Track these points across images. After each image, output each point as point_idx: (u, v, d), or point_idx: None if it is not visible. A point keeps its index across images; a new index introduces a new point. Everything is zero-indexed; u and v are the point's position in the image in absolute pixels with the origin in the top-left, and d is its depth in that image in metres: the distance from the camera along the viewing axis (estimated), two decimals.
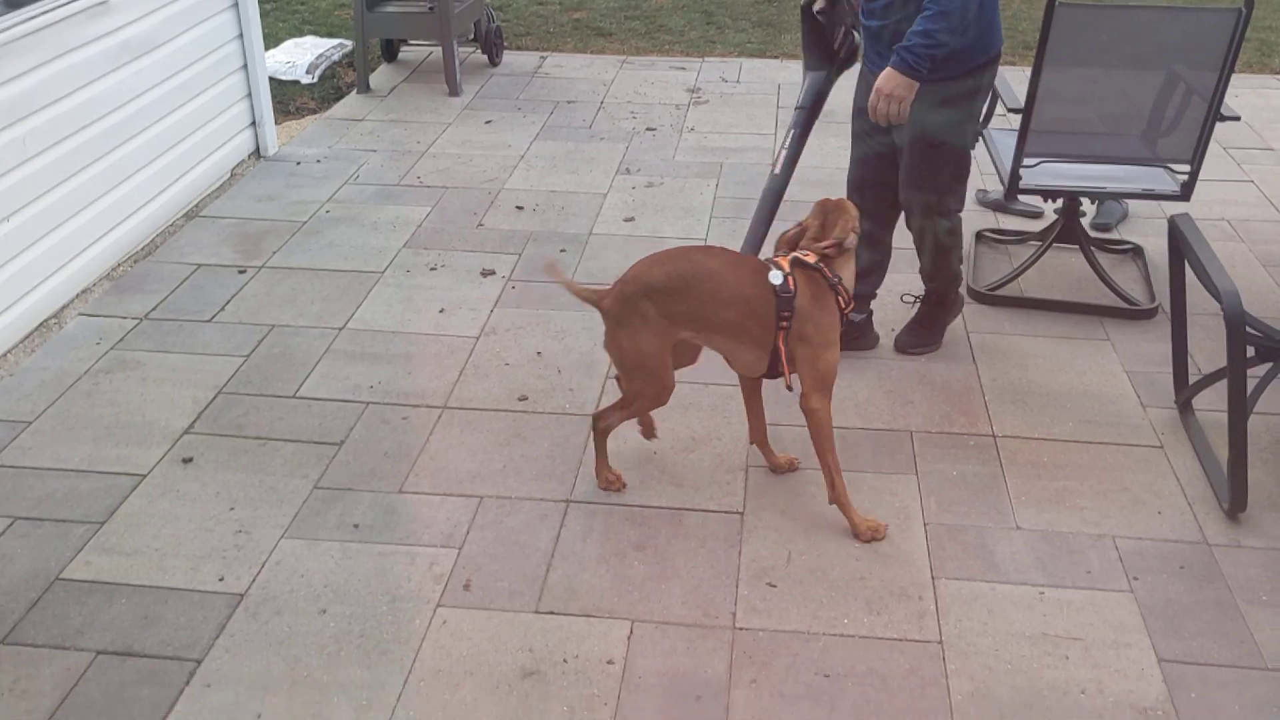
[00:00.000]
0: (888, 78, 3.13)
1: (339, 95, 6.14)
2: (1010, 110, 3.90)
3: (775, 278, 2.82)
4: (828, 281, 2.84)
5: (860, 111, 3.44)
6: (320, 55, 6.44)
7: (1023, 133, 3.75)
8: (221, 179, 4.96)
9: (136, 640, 2.59)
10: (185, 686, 2.47)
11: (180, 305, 4.00)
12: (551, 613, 2.68)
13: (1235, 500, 2.95)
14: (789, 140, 3.56)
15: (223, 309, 3.97)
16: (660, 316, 2.83)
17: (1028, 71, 3.72)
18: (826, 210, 2.98)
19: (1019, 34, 6.93)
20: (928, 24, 3.04)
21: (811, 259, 2.86)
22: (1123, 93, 3.79)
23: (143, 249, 4.38)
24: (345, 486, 3.10)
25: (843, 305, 2.87)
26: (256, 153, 5.23)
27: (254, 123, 5.18)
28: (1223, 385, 3.06)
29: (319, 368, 3.63)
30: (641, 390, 2.92)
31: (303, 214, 4.69)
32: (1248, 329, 2.95)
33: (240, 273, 4.22)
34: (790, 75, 6.33)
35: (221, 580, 2.77)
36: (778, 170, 3.56)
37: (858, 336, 3.67)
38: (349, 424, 3.36)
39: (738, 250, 3.34)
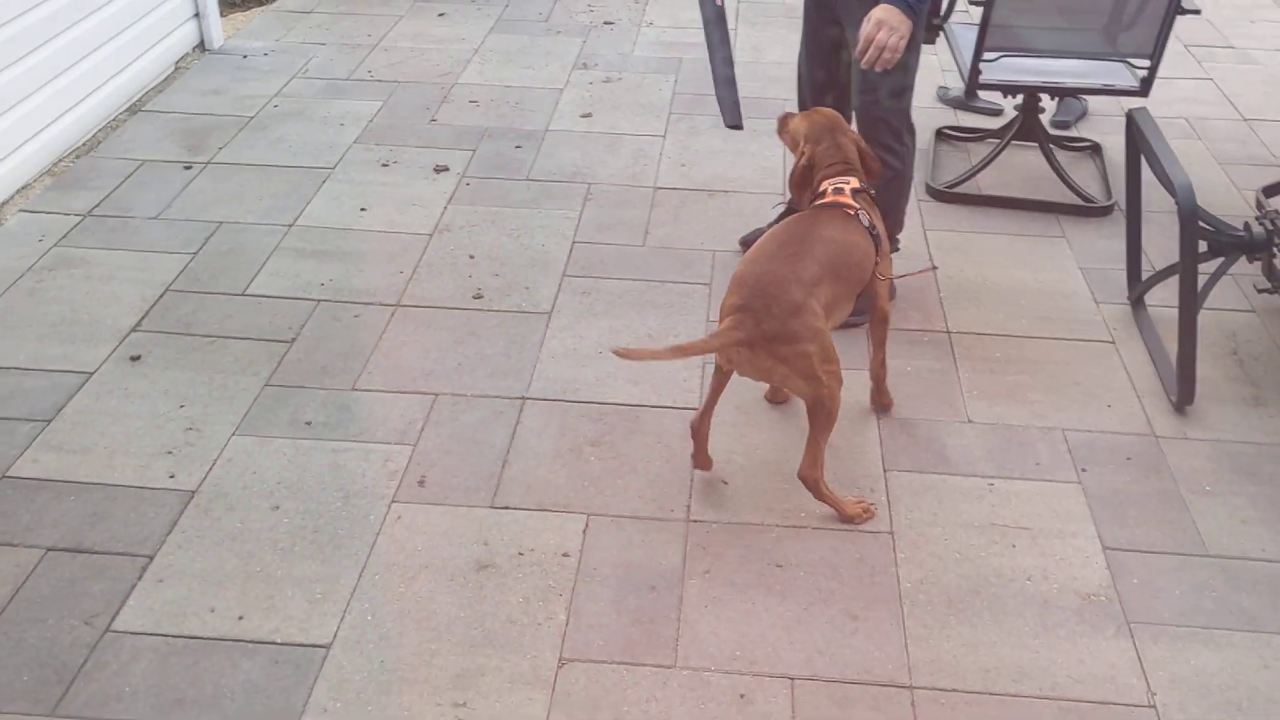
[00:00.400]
0: (886, 10, 2.89)
1: None
2: (972, 3, 3.83)
3: (864, 219, 2.72)
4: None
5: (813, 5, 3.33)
6: None
7: (983, 27, 3.70)
8: (165, 72, 4.81)
9: (86, 537, 2.57)
10: (137, 581, 2.46)
11: (125, 202, 3.90)
12: (507, 507, 2.69)
13: (1183, 394, 2.98)
14: None
15: (169, 205, 3.88)
16: (819, 306, 2.55)
17: None
18: (831, 129, 2.85)
19: None
20: None
21: (854, 186, 2.77)
22: None
23: (84, 144, 4.25)
24: (297, 384, 3.07)
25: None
26: (201, 45, 5.07)
27: (197, 14, 5.01)
28: (1175, 281, 3.08)
29: (269, 265, 3.57)
30: (833, 390, 2.55)
31: (250, 109, 4.57)
32: (1200, 224, 2.96)
33: (186, 168, 4.12)
34: None
35: (172, 477, 2.75)
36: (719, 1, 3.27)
37: None
38: (300, 321, 3.31)
39: (714, 86, 3.24)
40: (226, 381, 3.07)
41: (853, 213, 2.71)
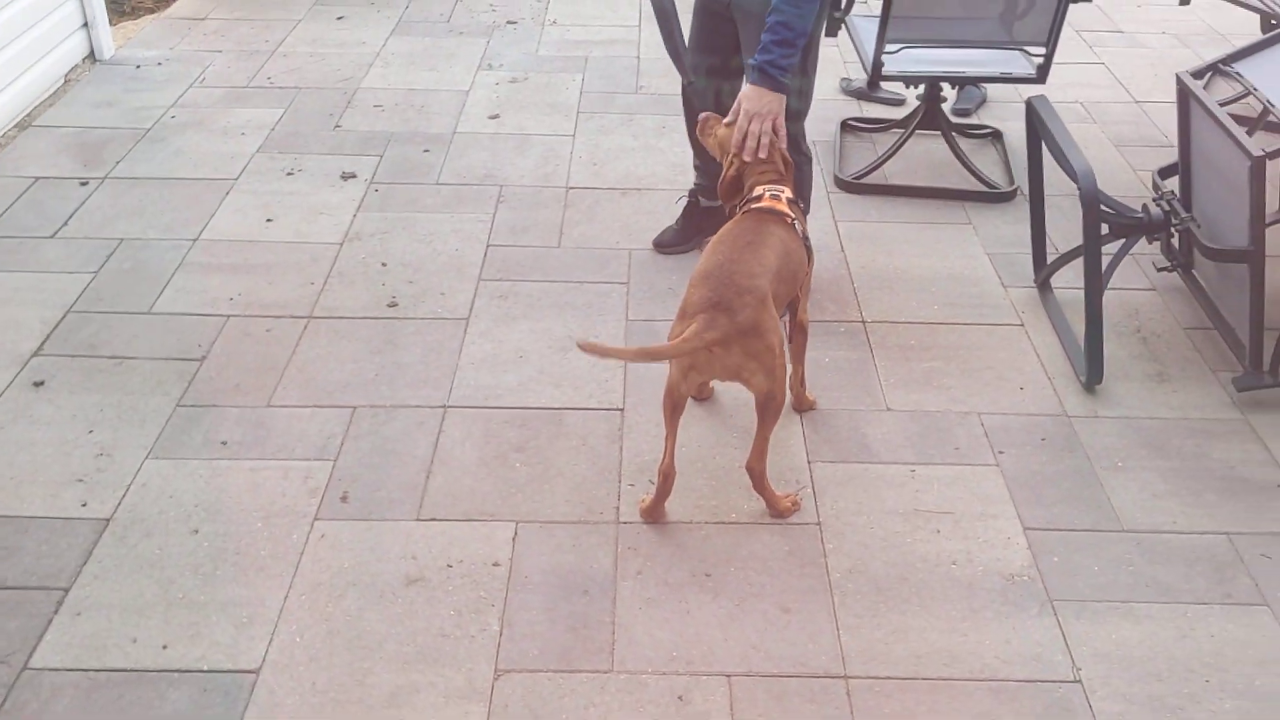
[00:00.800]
0: (755, 96, 2.79)
1: None
2: None
3: (799, 229, 2.72)
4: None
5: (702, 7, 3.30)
6: None
7: (884, 19, 3.75)
8: (55, 85, 4.65)
9: None
10: (54, 616, 2.38)
11: (19, 221, 3.77)
12: (433, 519, 2.66)
13: (1092, 373, 3.07)
14: None
15: (65, 224, 3.75)
16: (771, 303, 2.54)
17: None
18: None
19: None
20: (782, 33, 2.79)
21: (789, 196, 2.76)
22: None
23: None
24: (210, 403, 3.00)
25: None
26: (91, 56, 4.91)
27: (86, 24, 4.85)
28: (1079, 263, 3.17)
29: (174, 281, 3.48)
30: (784, 382, 2.57)
31: (146, 120, 4.44)
32: (1103, 207, 3.04)
33: (82, 184, 3.99)
34: None
35: (85, 506, 2.66)
36: None
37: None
38: (210, 338, 3.23)
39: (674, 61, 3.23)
40: (136, 404, 2.98)
41: (790, 221, 2.71)
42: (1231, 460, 2.88)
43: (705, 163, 3.45)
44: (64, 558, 2.52)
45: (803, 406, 3.00)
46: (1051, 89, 4.82)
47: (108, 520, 2.63)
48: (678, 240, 3.64)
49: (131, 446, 2.84)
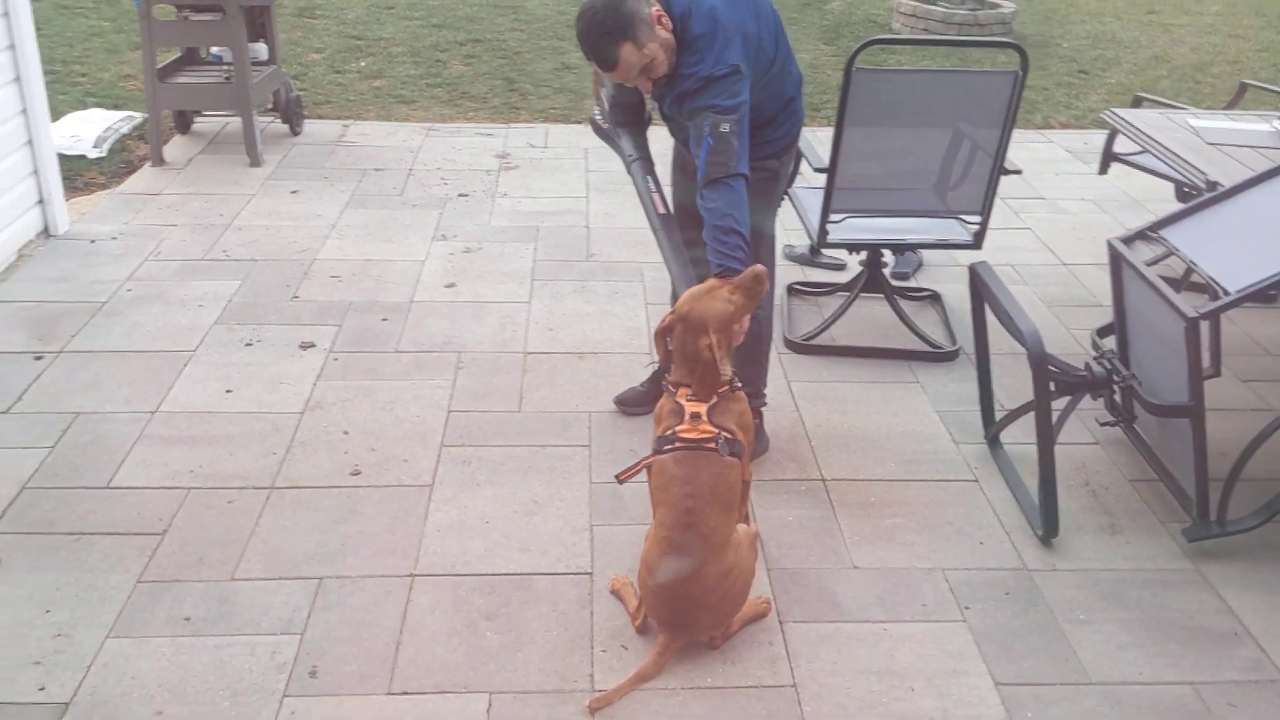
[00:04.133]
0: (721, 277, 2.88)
1: (131, 169, 5.88)
2: (816, 169, 4.09)
3: (723, 448, 2.73)
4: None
5: (679, 169, 3.52)
6: (108, 128, 6.16)
7: (828, 191, 3.95)
8: (8, 260, 4.67)
9: None
10: None
11: None
12: (405, 693, 2.61)
13: (1048, 527, 3.15)
14: (651, 183, 3.34)
15: (19, 399, 3.72)
16: (725, 560, 2.71)
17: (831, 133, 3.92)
18: (694, 353, 2.78)
19: (810, 96, 7.28)
20: (726, 223, 2.91)
21: (710, 405, 2.78)
22: (916, 150, 4.05)
23: None
24: (172, 578, 2.94)
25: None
26: (46, 231, 4.95)
27: (41, 200, 4.91)
28: (1027, 419, 3.29)
29: (133, 455, 3.45)
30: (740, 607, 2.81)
31: (101, 294, 4.46)
32: (1050, 367, 3.17)
33: (37, 359, 3.97)
34: (597, 140, 6.45)
35: (43, 689, 2.58)
36: (662, 210, 3.30)
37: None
38: (170, 512, 3.20)
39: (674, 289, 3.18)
40: (95, 581, 2.92)
41: (713, 446, 2.72)
42: (1189, 610, 2.95)
43: None
44: None
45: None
46: (983, 253, 5.06)
47: (67, 704, 2.54)
48: (641, 401, 3.71)
49: (91, 625, 2.77)
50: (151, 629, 2.77)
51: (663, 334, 2.83)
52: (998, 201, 5.64)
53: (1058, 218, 5.61)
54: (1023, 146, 6.69)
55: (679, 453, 2.73)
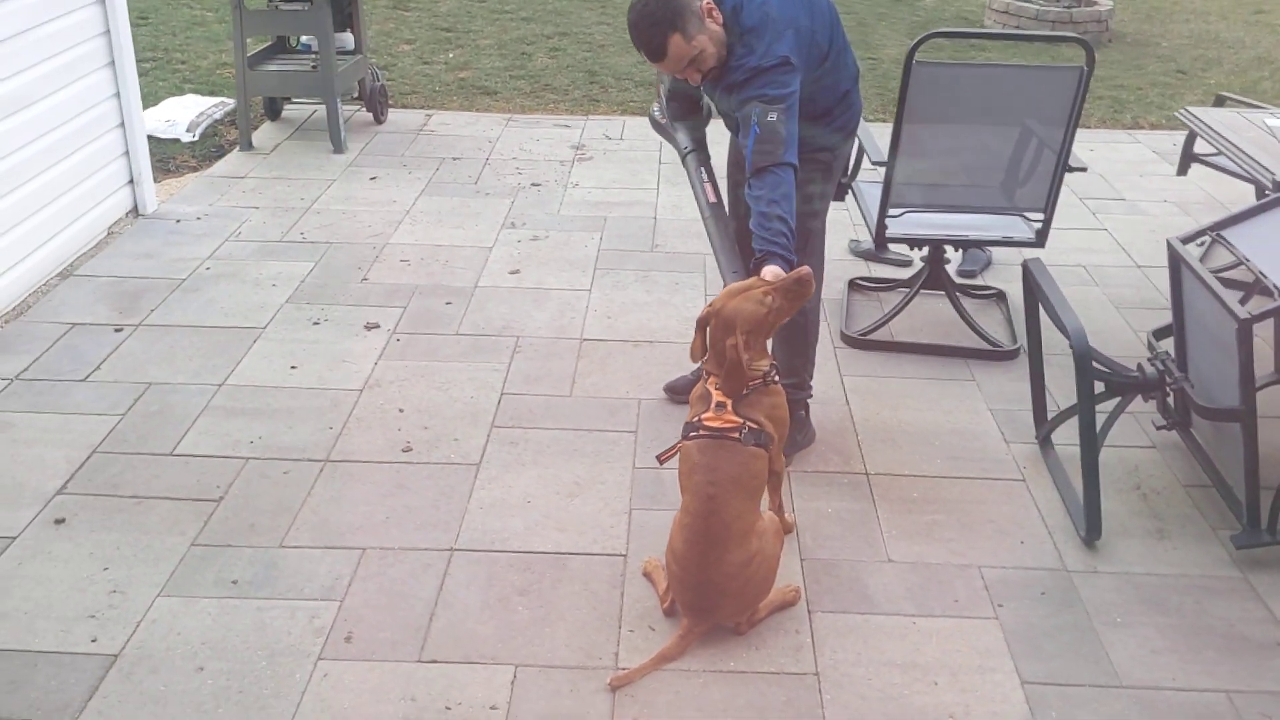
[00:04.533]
0: (769, 274, 2.87)
1: (220, 153, 6.10)
2: (875, 163, 4.07)
3: (748, 438, 2.75)
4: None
5: (734, 165, 3.54)
6: (201, 113, 6.40)
7: (886, 185, 3.93)
8: (98, 237, 4.89)
9: (4, 706, 2.52)
10: None
11: (53, 365, 3.92)
12: (434, 661, 2.69)
13: (1090, 528, 3.10)
14: (704, 173, 3.35)
15: (97, 368, 3.91)
16: (748, 548, 2.75)
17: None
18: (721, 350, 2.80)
19: (890, 91, 7.22)
20: (772, 210, 2.91)
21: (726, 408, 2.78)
22: (979, 146, 4.00)
23: (14, 309, 4.28)
24: (224, 543, 3.07)
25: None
26: (135, 211, 5.17)
27: (131, 180, 5.13)
28: (1078, 420, 3.23)
29: (197, 424, 3.60)
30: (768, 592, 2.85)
31: (182, 271, 4.65)
32: (1097, 365, 3.13)
33: (116, 331, 4.16)
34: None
35: (94, 641, 2.72)
36: (713, 199, 3.31)
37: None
38: (228, 480, 3.33)
39: (724, 279, 3.13)
40: (152, 542, 3.06)
41: (736, 436, 2.74)
42: (1231, 618, 2.88)
43: None
44: (70, 692, 2.57)
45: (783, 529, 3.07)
46: (1055, 253, 4.98)
47: (115, 656, 2.68)
48: (690, 389, 3.73)
49: (144, 584, 2.91)
50: (200, 590, 2.90)
51: (701, 324, 2.86)
52: (1074, 201, 5.60)
53: (1137, 219, 5.48)
54: (1110, 146, 6.55)
55: (702, 441, 2.76)
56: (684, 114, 3.52)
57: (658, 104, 3.64)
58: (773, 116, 2.97)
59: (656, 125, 3.65)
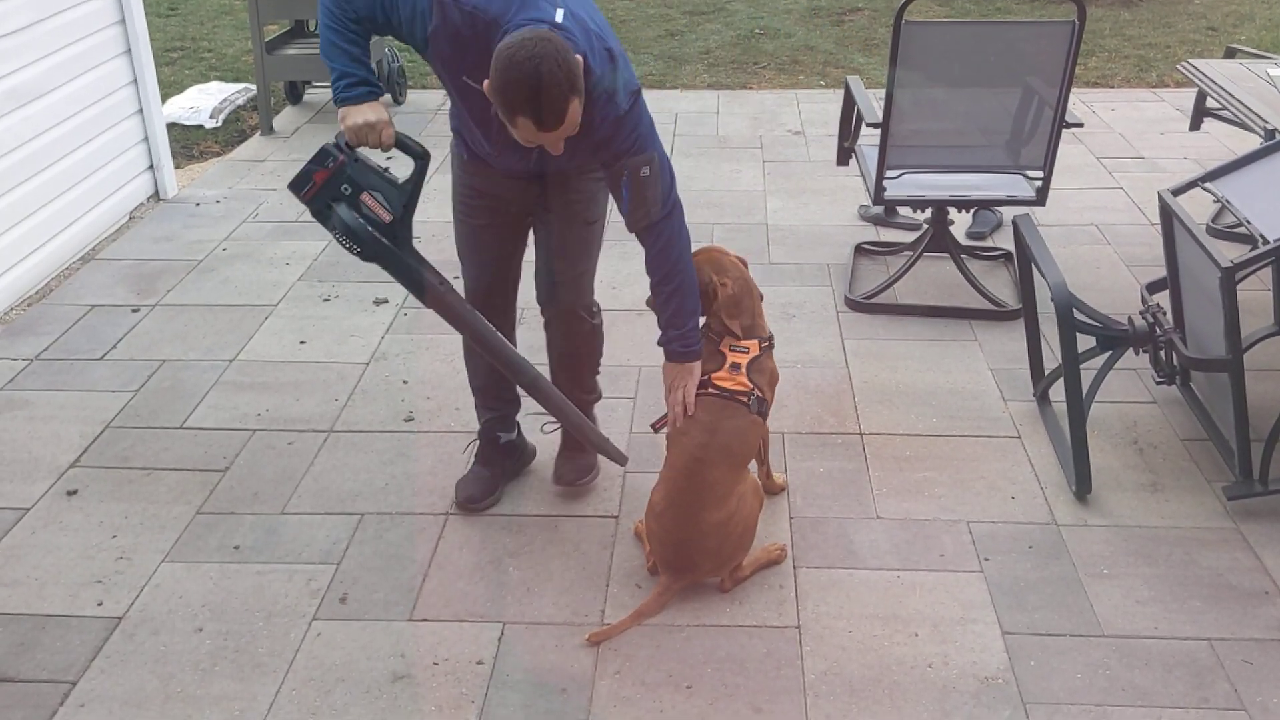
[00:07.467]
0: (678, 372, 2.79)
1: (243, 138, 6.22)
2: (869, 125, 4.06)
3: (753, 404, 2.81)
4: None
5: (478, 193, 3.22)
6: (224, 100, 6.52)
7: (883, 146, 3.93)
8: (119, 222, 5.01)
9: (11, 666, 2.63)
10: (59, 708, 2.52)
11: (72, 345, 4.04)
12: (425, 620, 2.76)
13: (1081, 482, 3.10)
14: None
15: (114, 347, 4.02)
16: (726, 509, 2.77)
17: None
18: (748, 295, 2.92)
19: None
20: (686, 306, 2.76)
21: (752, 356, 2.86)
22: (973, 104, 3.98)
23: (37, 292, 4.42)
24: (228, 511, 3.16)
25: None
26: (156, 195, 5.29)
27: (152, 166, 5.25)
28: (1084, 375, 3.22)
29: (207, 399, 3.70)
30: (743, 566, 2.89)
31: (199, 253, 4.76)
32: (1084, 319, 3.12)
33: (134, 311, 4.28)
34: (687, 105, 6.49)
35: (100, 605, 2.82)
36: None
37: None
38: (235, 451, 3.42)
39: None
40: (159, 511, 3.16)
41: (745, 400, 2.79)
42: (1220, 568, 2.87)
43: None
44: (75, 653, 2.67)
45: (773, 489, 3.15)
46: (1069, 212, 4.95)
47: (120, 619, 2.78)
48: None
49: (150, 551, 3.01)
50: (203, 555, 2.99)
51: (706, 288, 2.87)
52: (1091, 161, 5.54)
53: (1153, 177, 5.40)
54: (1131, 105, 6.46)
55: (707, 398, 2.79)
56: (399, 240, 2.96)
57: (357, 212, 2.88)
58: (645, 172, 2.64)
59: (370, 245, 2.90)
